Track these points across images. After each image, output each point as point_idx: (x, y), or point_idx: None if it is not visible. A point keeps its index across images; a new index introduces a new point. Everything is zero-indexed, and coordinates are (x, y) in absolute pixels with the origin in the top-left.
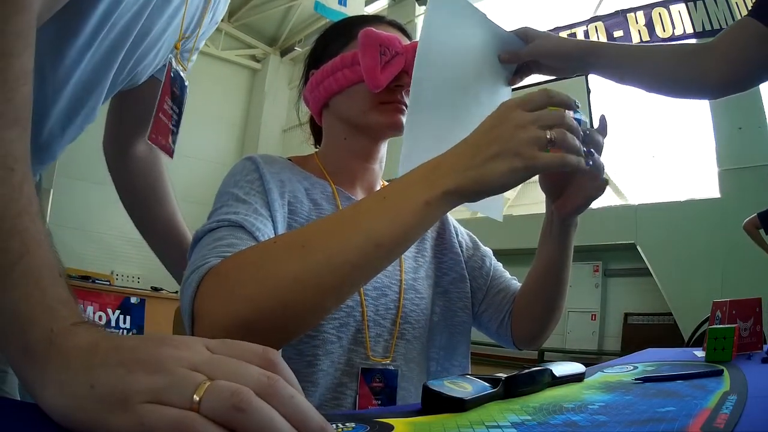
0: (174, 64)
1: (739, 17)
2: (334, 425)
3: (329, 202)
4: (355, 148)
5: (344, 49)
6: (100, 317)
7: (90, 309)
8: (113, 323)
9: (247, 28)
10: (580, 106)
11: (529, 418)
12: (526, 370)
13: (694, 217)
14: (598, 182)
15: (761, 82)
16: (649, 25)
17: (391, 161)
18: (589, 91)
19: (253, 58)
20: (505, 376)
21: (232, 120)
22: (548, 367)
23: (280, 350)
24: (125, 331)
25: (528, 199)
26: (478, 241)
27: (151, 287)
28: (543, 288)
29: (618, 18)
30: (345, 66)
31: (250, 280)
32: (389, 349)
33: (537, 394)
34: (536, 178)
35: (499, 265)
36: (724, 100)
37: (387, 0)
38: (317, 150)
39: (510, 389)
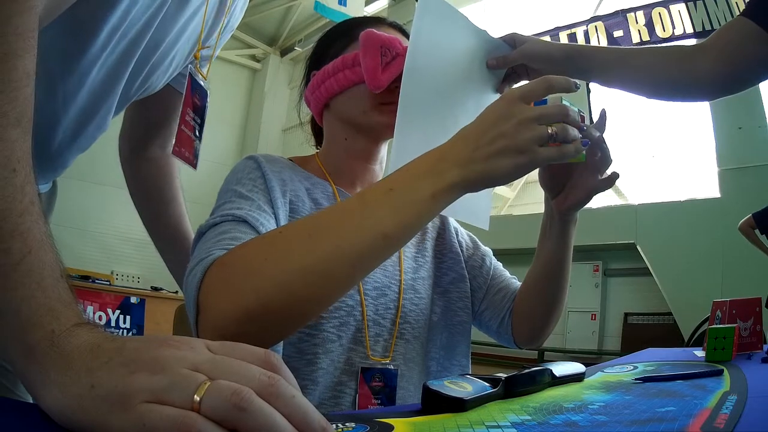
0: (194, 74)
1: None
2: (334, 425)
3: (330, 202)
4: (356, 148)
5: (345, 50)
6: (100, 317)
7: (90, 309)
8: (113, 323)
9: (247, 28)
10: (579, 86)
11: (529, 418)
12: (526, 370)
13: (694, 217)
14: (603, 176)
15: (757, 83)
16: (649, 25)
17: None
18: (589, 91)
19: (253, 58)
20: (505, 376)
21: (232, 120)
22: (548, 367)
23: (281, 350)
24: (125, 331)
25: (528, 199)
26: (477, 240)
27: (151, 287)
28: (543, 286)
29: (618, 18)
30: (346, 67)
31: (256, 270)
32: (389, 349)
33: (537, 394)
34: (536, 176)
35: (499, 265)
36: (723, 99)
37: (387, 0)
38: (318, 150)
39: (510, 389)
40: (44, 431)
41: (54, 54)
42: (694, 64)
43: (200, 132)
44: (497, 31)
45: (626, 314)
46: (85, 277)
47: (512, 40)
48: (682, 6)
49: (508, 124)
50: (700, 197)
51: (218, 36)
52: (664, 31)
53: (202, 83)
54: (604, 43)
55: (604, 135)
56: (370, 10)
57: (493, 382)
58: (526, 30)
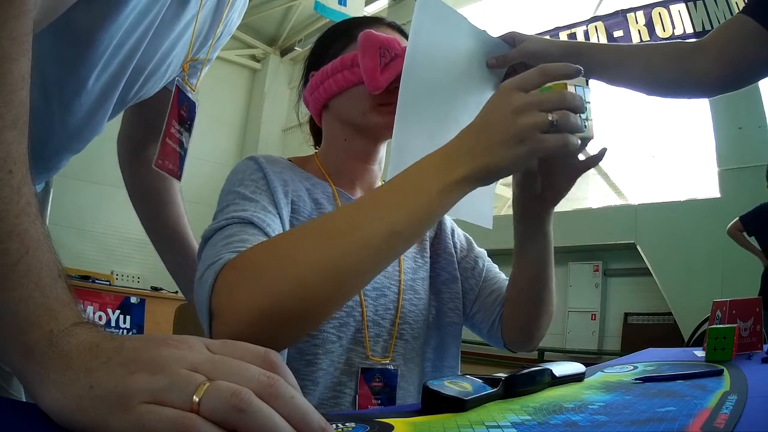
0: (182, 86)
1: None
2: (334, 425)
3: (330, 202)
4: (355, 149)
5: (344, 51)
6: (100, 317)
7: (90, 309)
8: (113, 323)
9: (247, 28)
10: (581, 72)
11: (529, 418)
12: (526, 370)
13: (694, 217)
14: (586, 160)
15: (757, 81)
16: (649, 25)
17: (390, 162)
18: (587, 88)
19: (253, 58)
20: (505, 376)
21: (231, 120)
22: (548, 367)
23: (285, 351)
24: (125, 331)
25: None
26: (473, 241)
27: (151, 287)
28: (527, 289)
29: (618, 18)
30: (345, 67)
31: (269, 271)
32: (388, 349)
33: (537, 394)
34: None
35: (494, 267)
36: (723, 99)
37: (387, 0)
38: (317, 151)
39: (510, 389)
40: (43, 431)
41: (51, 61)
42: (693, 63)
43: (186, 144)
44: (497, 31)
45: (626, 314)
46: (85, 277)
47: (511, 39)
48: (682, 6)
49: (504, 113)
50: (700, 197)
51: (212, 43)
52: (664, 31)
53: (190, 95)
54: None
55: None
56: (370, 10)
57: (493, 382)
58: (527, 30)
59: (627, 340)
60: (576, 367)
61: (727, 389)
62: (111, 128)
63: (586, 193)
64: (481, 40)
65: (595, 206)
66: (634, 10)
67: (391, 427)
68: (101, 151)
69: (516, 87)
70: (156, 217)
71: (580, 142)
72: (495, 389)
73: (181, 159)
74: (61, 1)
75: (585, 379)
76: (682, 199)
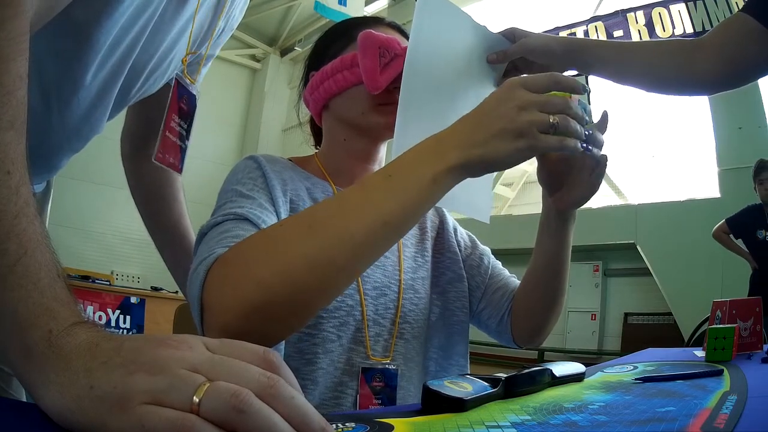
0: (181, 79)
1: None
2: (334, 425)
3: None
4: (355, 149)
5: (344, 51)
6: (100, 317)
7: (90, 309)
8: (113, 323)
9: (246, 28)
10: (588, 90)
11: (529, 418)
12: (526, 370)
13: (694, 217)
14: (597, 171)
15: (756, 79)
16: (649, 25)
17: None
18: (588, 92)
19: (253, 57)
20: (505, 376)
21: (231, 120)
22: (548, 367)
23: (283, 349)
24: (125, 330)
25: (528, 199)
26: (476, 239)
27: (151, 287)
28: (542, 284)
29: (618, 18)
30: (345, 68)
31: (258, 263)
32: (389, 349)
33: (537, 394)
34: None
35: (498, 264)
36: (723, 99)
37: (387, 0)
38: (317, 151)
39: (510, 389)
40: (43, 431)
41: (48, 59)
42: (694, 61)
43: (188, 137)
44: (497, 30)
45: (626, 314)
46: (85, 277)
47: (512, 35)
48: (682, 6)
49: (507, 107)
50: (700, 197)
51: (211, 38)
52: (664, 31)
53: (190, 88)
54: None
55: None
56: (370, 10)
57: (493, 382)
58: (527, 29)
59: (627, 340)
60: (576, 367)
61: (727, 389)
62: (111, 128)
63: None
64: (482, 36)
65: (595, 206)
66: (634, 10)
67: (391, 427)
68: (101, 151)
69: (522, 85)
70: (157, 214)
71: (578, 145)
72: (495, 389)
73: (182, 152)
74: (58, 0)
75: (585, 379)
76: (682, 199)
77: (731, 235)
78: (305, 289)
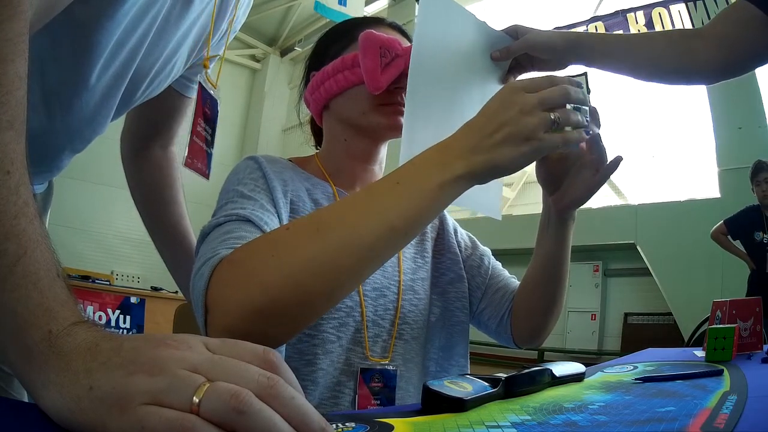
0: (204, 83)
1: None
2: (334, 425)
3: (330, 202)
4: (356, 149)
5: (345, 51)
6: (100, 317)
7: (90, 309)
8: (113, 323)
9: (247, 28)
10: (583, 86)
11: (529, 418)
12: (526, 370)
13: (694, 217)
14: (601, 173)
15: (757, 67)
16: (649, 25)
17: (390, 162)
18: (589, 91)
19: (253, 58)
20: (505, 376)
21: (232, 120)
22: (548, 367)
23: (283, 349)
24: (125, 330)
25: (528, 199)
26: (476, 240)
27: (151, 287)
28: (542, 284)
29: (618, 18)
30: (345, 68)
31: (264, 266)
32: (388, 350)
33: (537, 394)
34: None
35: (498, 264)
36: (723, 99)
37: (387, 0)
38: (318, 151)
39: (510, 389)
40: (43, 431)
41: (51, 61)
42: (694, 50)
43: (212, 142)
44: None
45: (626, 314)
46: (85, 277)
47: (514, 32)
48: (681, 6)
49: (511, 112)
50: (700, 197)
51: (208, 40)
52: None
53: (212, 92)
54: None
55: (599, 132)
56: (370, 10)
57: (493, 382)
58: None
59: (627, 340)
60: (576, 367)
61: (727, 389)
62: (111, 128)
63: None
64: (485, 33)
65: (595, 206)
66: (634, 10)
67: (391, 427)
68: (101, 151)
69: (522, 88)
70: (157, 215)
71: (582, 134)
72: (495, 389)
73: (209, 157)
74: (57, 1)
75: (585, 379)
76: (682, 199)
77: (729, 237)
78: (310, 293)
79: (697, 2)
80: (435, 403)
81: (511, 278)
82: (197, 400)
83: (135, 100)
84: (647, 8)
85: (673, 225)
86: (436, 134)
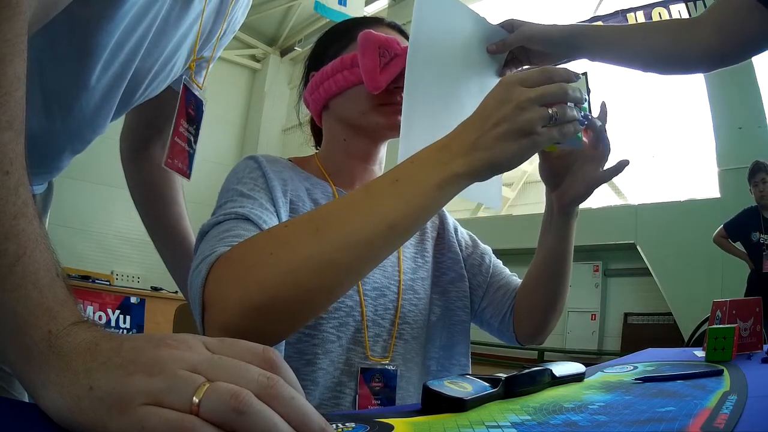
0: (189, 84)
1: None
2: (334, 425)
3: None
4: (355, 149)
5: (344, 51)
6: (100, 317)
7: (90, 309)
8: (113, 323)
9: (247, 28)
10: (581, 77)
11: (529, 418)
12: (526, 370)
13: (694, 217)
14: (604, 167)
15: (753, 55)
16: None
17: (390, 162)
18: (589, 91)
19: (253, 58)
20: (505, 376)
21: (231, 120)
22: (548, 367)
23: (283, 349)
24: (125, 330)
25: (528, 199)
26: (477, 239)
27: (151, 287)
28: (545, 281)
29: (618, 18)
30: (344, 68)
31: (262, 263)
32: (388, 349)
33: (537, 394)
34: (537, 173)
35: (499, 262)
36: (723, 99)
37: (387, 0)
38: (317, 151)
39: (510, 389)
40: (43, 431)
41: (50, 62)
42: (692, 38)
43: (195, 142)
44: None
45: (626, 314)
46: (85, 277)
47: (510, 26)
48: (681, 6)
49: (507, 108)
50: (700, 197)
51: (217, 40)
52: None
53: (197, 93)
54: None
55: (605, 126)
56: (370, 10)
57: (493, 382)
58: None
59: (627, 340)
60: (576, 367)
61: (727, 389)
62: (111, 128)
63: None
64: (482, 27)
65: (595, 206)
66: (634, 10)
67: (391, 427)
68: (101, 151)
69: (518, 82)
70: (157, 215)
71: (575, 130)
72: (495, 389)
73: (190, 157)
74: (56, 1)
75: (585, 379)
76: (682, 199)
77: (730, 239)
78: (309, 291)
79: (697, 2)
80: (435, 403)
81: (513, 276)
82: (197, 401)
83: (135, 101)
84: (647, 8)
85: (673, 225)
86: (435, 127)
